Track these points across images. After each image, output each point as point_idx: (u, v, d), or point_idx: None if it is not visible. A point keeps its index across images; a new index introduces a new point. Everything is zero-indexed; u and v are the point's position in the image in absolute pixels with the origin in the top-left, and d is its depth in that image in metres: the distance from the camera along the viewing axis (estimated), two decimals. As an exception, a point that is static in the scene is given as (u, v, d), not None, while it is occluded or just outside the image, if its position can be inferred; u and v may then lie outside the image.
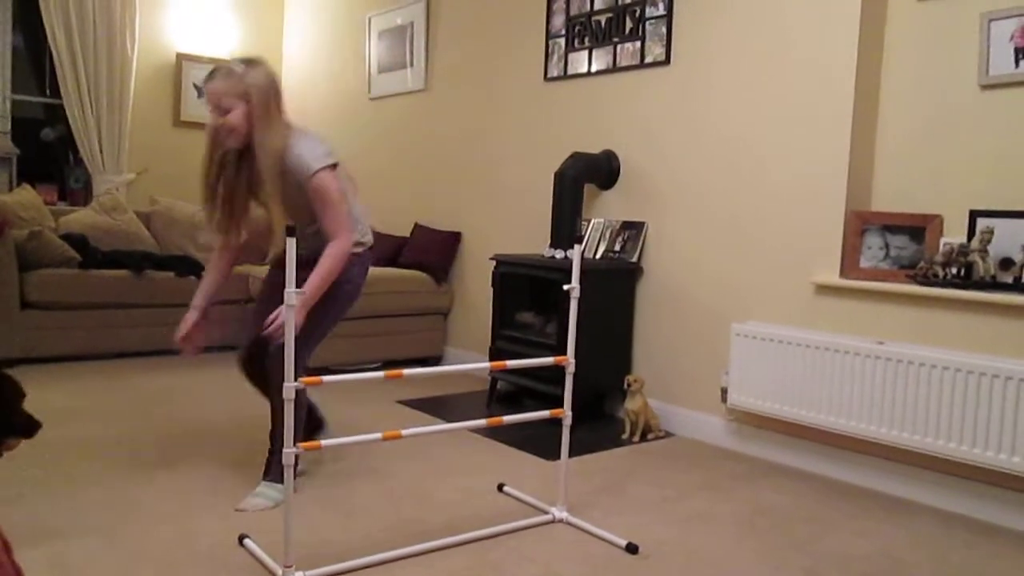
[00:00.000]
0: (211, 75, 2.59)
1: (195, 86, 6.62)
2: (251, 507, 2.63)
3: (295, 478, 2.38)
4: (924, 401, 2.86)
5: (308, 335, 2.65)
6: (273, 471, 2.71)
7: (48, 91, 6.26)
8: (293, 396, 2.03)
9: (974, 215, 2.95)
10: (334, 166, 2.66)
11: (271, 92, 2.60)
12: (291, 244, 2.00)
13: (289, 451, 2.05)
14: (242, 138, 2.60)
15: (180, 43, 6.53)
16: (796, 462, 3.38)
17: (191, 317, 2.80)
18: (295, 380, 2.05)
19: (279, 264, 2.82)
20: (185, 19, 6.53)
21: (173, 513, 2.57)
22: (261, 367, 2.74)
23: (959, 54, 3.02)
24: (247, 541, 2.34)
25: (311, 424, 3.03)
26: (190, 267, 5.33)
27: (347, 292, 2.78)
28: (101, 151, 6.08)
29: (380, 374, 2.28)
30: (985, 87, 2.96)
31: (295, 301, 2.04)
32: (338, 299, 2.73)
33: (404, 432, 2.29)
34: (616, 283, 3.97)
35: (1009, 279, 2.83)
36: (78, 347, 4.81)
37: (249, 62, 2.60)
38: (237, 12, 6.80)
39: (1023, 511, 2.75)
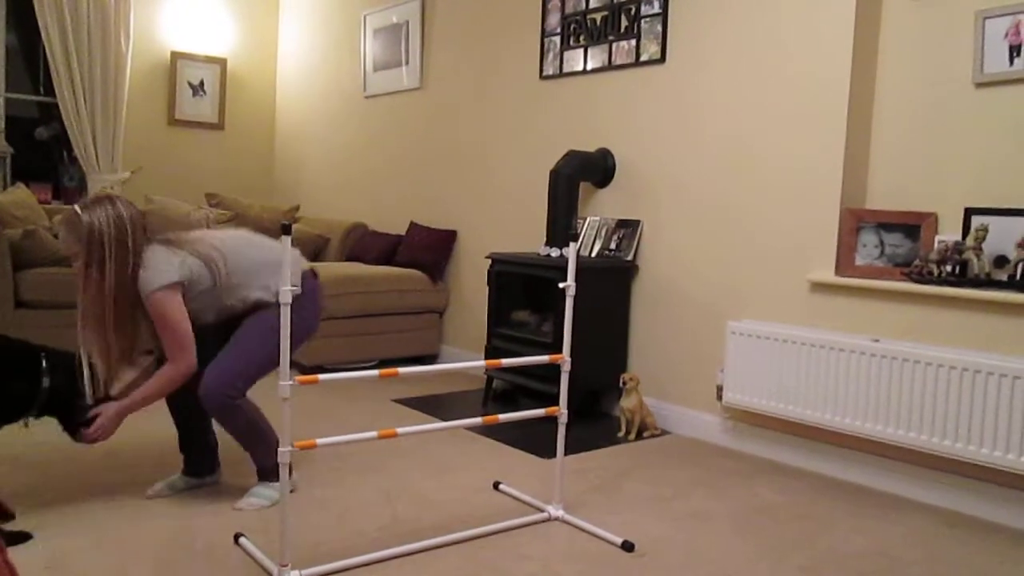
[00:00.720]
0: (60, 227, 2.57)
1: (189, 84, 6.61)
2: (248, 506, 2.64)
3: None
4: (919, 398, 2.87)
5: (245, 366, 2.61)
6: (266, 472, 2.72)
7: (42, 90, 6.25)
8: (288, 394, 2.03)
9: (969, 213, 2.95)
10: (175, 285, 2.51)
11: (108, 236, 2.46)
12: (286, 242, 2.00)
13: (284, 450, 2.05)
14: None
15: (175, 41, 6.52)
16: (792, 460, 3.39)
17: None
18: (290, 380, 2.05)
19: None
20: (179, 17, 6.52)
21: (169, 512, 2.57)
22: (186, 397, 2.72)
23: (954, 52, 3.03)
24: (243, 540, 2.33)
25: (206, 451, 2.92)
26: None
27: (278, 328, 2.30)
28: (95, 150, 6.06)
29: (375, 373, 2.27)
30: (980, 85, 2.96)
31: (289, 299, 2.03)
32: (275, 332, 2.22)
33: (399, 431, 2.29)
34: (612, 281, 3.97)
35: (1004, 276, 2.84)
36: (73, 347, 4.78)
37: (87, 205, 2.49)
38: (231, 10, 6.78)
39: (1019, 508, 2.75)
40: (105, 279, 2.46)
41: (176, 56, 6.51)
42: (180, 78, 6.55)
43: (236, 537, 2.36)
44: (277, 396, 2.01)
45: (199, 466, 2.85)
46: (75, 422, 2.50)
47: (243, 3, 6.84)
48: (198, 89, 6.65)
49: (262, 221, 6.02)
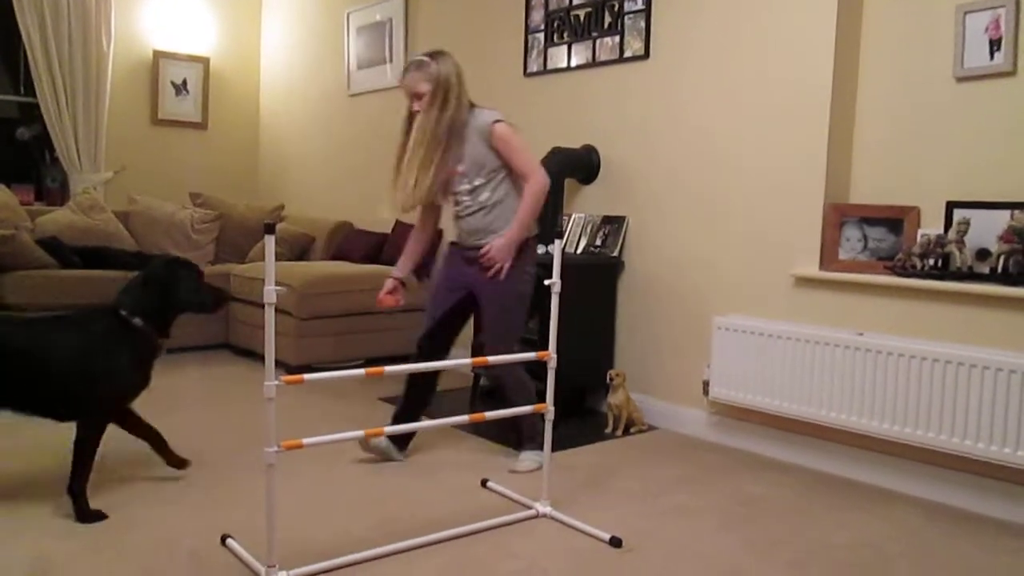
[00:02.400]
0: (405, 69, 3.03)
1: (172, 84, 6.57)
2: (523, 468, 3.06)
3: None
4: (904, 391, 2.89)
5: (511, 325, 3.07)
6: (528, 437, 3.12)
7: (23, 90, 6.19)
8: (273, 394, 2.02)
9: (951, 206, 2.97)
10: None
11: (452, 77, 2.99)
12: (269, 242, 1.99)
13: (270, 451, 2.04)
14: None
15: (157, 41, 6.48)
16: (778, 454, 3.40)
17: (389, 283, 3.18)
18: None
19: (450, 258, 3.20)
20: (161, 16, 6.48)
21: (156, 512, 2.56)
22: (434, 355, 3.16)
23: (935, 47, 3.04)
24: (230, 541, 2.32)
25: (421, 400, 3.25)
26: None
27: (530, 274, 3.10)
28: (78, 150, 6.02)
29: (361, 372, 2.27)
30: (961, 79, 2.98)
31: (274, 299, 2.02)
32: (524, 281, 3.08)
33: (387, 430, 2.28)
34: (597, 278, 3.97)
35: (985, 269, 2.86)
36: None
37: (435, 54, 3.02)
38: (214, 9, 6.75)
39: (1003, 499, 2.78)
40: (445, 114, 2.94)
41: (158, 55, 6.47)
42: (163, 77, 6.51)
43: (223, 539, 2.35)
44: (262, 396, 2.01)
45: (404, 439, 3.21)
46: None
47: (225, 2, 6.81)
48: (181, 88, 6.61)
49: (247, 220, 6.00)
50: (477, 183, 3.02)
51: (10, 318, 2.58)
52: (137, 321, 2.58)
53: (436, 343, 3.17)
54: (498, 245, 2.96)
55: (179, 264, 2.71)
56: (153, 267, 2.69)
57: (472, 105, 3.06)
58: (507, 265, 2.99)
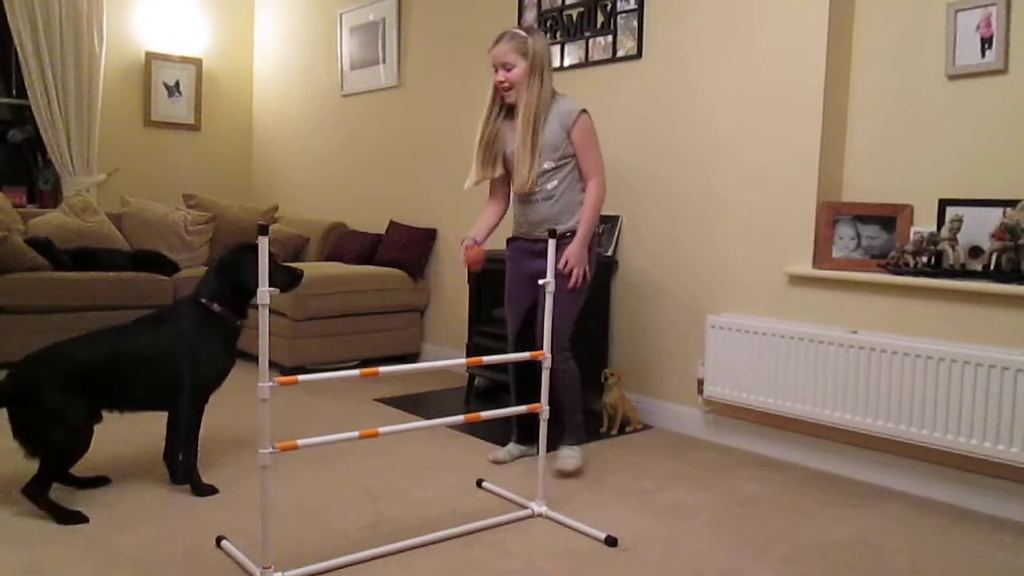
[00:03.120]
0: (498, 39, 3.00)
1: (165, 85, 6.55)
2: (570, 467, 3.05)
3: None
4: (898, 389, 2.89)
5: (570, 320, 3.10)
6: (570, 432, 3.15)
7: (15, 92, 6.17)
8: (268, 395, 2.02)
9: (943, 204, 2.98)
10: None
11: (546, 56, 2.98)
12: (263, 243, 1.99)
13: (264, 452, 2.03)
14: (515, 95, 2.99)
15: (149, 42, 6.46)
16: (772, 451, 3.41)
17: (468, 241, 3.12)
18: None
19: (516, 253, 3.19)
20: (154, 18, 6.46)
21: (150, 515, 2.55)
22: (529, 347, 3.13)
23: (927, 45, 3.05)
24: (224, 543, 2.32)
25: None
26: (163, 265, 5.29)
27: (592, 272, 3.13)
28: (70, 152, 6.00)
29: (355, 372, 2.27)
30: (953, 77, 2.99)
31: (267, 300, 2.02)
32: (576, 293, 3.10)
33: (381, 430, 2.28)
34: (592, 277, 3.96)
35: (978, 267, 2.87)
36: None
37: (530, 30, 3.00)
38: (206, 10, 6.73)
39: (996, 496, 2.79)
40: (543, 92, 2.94)
41: (151, 57, 6.45)
42: (155, 79, 6.49)
43: (218, 540, 2.34)
44: (256, 397, 2.00)
45: (530, 434, 3.18)
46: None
47: (218, 3, 6.79)
48: (174, 90, 6.60)
49: (241, 222, 5.99)
50: (547, 167, 2.99)
51: (111, 328, 2.72)
52: (216, 307, 2.75)
53: (526, 343, 3.17)
54: (574, 252, 2.96)
55: (246, 248, 2.79)
56: (223, 253, 2.83)
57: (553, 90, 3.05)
58: (585, 269, 3.01)
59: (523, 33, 2.97)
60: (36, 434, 2.49)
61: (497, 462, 3.20)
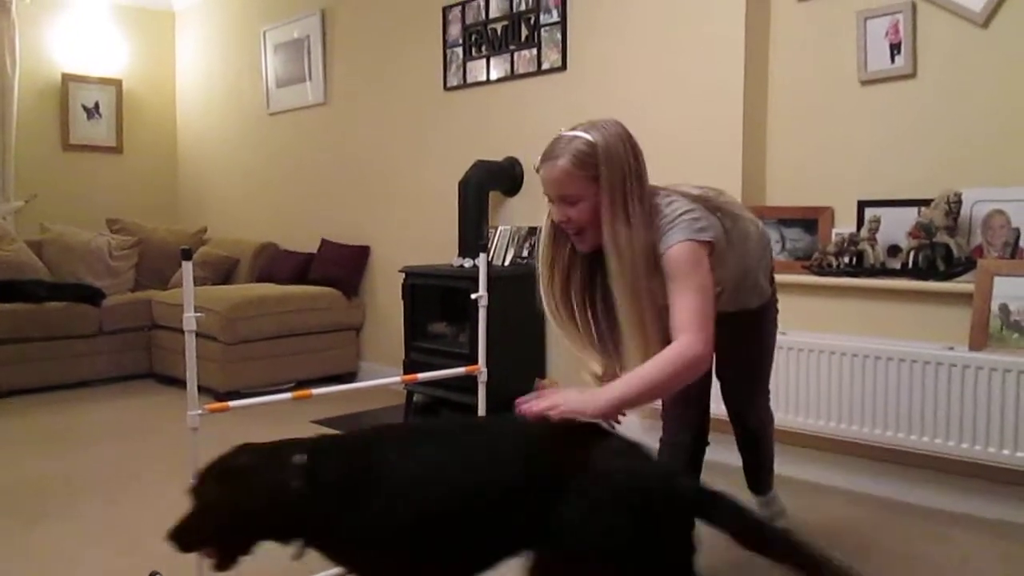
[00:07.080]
0: (548, 151, 1.94)
1: (83, 107, 6.37)
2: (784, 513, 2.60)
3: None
4: (826, 387, 2.96)
5: (763, 369, 2.47)
6: (768, 486, 2.63)
7: (-78, 118, 5.92)
8: (197, 424, 1.97)
9: (862, 205, 3.07)
10: (704, 243, 1.88)
11: (628, 167, 1.91)
12: (187, 268, 1.94)
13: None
14: (594, 239, 1.92)
15: (65, 63, 6.27)
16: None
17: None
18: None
19: None
20: (70, 38, 6.27)
21: (79, 555, 2.46)
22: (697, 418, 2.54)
23: (840, 52, 3.14)
24: (156, 578, 2.25)
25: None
26: (87, 294, 5.12)
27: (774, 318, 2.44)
28: (-16, 179, 5.78)
29: (288, 395, 2.23)
30: (865, 82, 3.09)
31: (193, 326, 1.97)
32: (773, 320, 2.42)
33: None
34: (526, 289, 3.94)
35: (897, 265, 2.96)
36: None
37: (599, 126, 1.93)
38: (125, 29, 6.56)
39: (924, 486, 2.87)
40: (631, 226, 1.84)
41: (68, 78, 6.26)
42: (73, 101, 6.31)
43: (150, 576, 2.27)
44: (185, 427, 1.95)
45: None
46: None
47: (137, 22, 6.63)
48: (93, 112, 6.42)
49: (168, 245, 5.85)
50: None
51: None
52: None
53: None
54: (579, 401, 1.79)
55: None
56: None
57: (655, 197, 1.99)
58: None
59: (587, 138, 1.88)
60: None
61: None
